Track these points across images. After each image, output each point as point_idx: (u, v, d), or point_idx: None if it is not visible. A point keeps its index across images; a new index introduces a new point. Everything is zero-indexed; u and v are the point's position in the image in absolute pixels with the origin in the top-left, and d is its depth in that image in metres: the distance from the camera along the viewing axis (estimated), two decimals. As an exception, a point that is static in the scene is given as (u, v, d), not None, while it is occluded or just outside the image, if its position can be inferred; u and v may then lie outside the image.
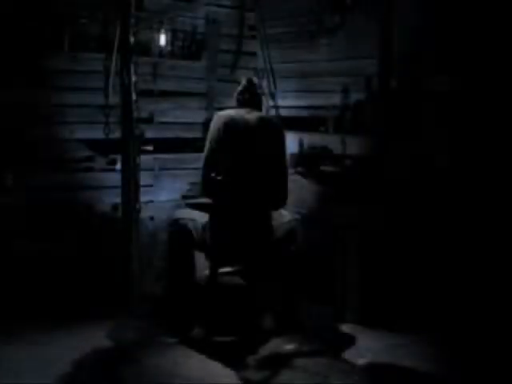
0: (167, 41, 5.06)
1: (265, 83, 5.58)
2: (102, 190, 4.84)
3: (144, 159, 4.91)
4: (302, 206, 5.02)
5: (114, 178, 4.60)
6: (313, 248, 4.69)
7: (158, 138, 5.13)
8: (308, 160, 5.19)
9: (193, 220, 3.94)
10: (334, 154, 5.06)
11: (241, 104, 3.96)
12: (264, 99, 4.14)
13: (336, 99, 5.02)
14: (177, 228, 3.97)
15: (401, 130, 4.52)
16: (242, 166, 3.78)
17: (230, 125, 3.80)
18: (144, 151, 4.99)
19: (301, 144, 5.32)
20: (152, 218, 5.12)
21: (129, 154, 4.35)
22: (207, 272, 3.87)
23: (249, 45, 5.69)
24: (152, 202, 5.14)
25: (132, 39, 4.35)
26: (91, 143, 4.78)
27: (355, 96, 4.90)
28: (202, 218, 3.91)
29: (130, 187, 4.39)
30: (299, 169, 5.13)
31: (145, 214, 5.02)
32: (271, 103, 5.53)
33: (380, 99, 4.44)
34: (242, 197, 3.77)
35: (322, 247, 4.68)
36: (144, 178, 4.92)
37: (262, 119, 3.85)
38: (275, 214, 3.95)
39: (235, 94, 4.02)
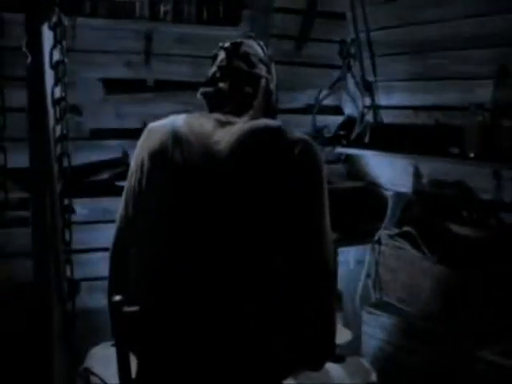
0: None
1: (357, 67, 3.18)
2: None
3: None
4: (409, 301, 2.60)
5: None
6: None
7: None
8: (426, 210, 2.72)
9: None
10: (480, 199, 2.58)
11: (210, 103, 1.60)
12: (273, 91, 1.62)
13: (484, 92, 2.52)
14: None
15: None
16: (201, 256, 1.43)
17: (171, 154, 1.47)
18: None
19: (416, 176, 2.87)
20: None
21: (41, 199, 2.17)
22: None
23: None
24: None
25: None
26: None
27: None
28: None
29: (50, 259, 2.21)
30: (406, 228, 2.67)
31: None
32: (366, 102, 3.13)
33: None
34: (200, 342, 1.42)
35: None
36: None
37: (256, 139, 1.46)
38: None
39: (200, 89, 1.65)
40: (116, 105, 2.83)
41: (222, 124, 1.50)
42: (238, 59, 1.58)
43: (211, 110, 1.57)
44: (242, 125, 1.49)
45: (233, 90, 1.56)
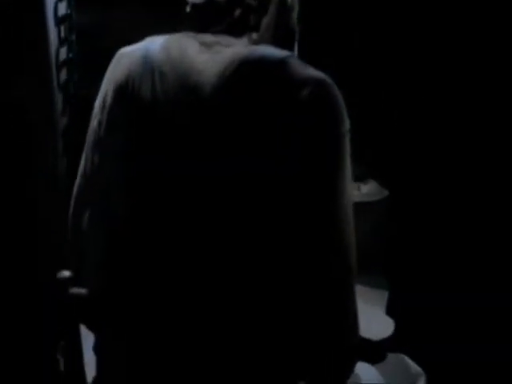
0: None
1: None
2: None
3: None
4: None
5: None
6: None
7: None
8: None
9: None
10: None
11: (200, 19, 1.17)
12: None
13: None
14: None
15: None
16: (177, 222, 1.08)
17: (138, 87, 1.10)
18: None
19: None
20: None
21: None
22: None
23: None
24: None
25: None
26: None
27: None
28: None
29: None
30: None
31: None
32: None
33: None
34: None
35: None
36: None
37: (251, 70, 1.06)
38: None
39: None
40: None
41: (209, 46, 1.10)
42: None
43: (201, 29, 1.16)
44: (236, 48, 1.08)
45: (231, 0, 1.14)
